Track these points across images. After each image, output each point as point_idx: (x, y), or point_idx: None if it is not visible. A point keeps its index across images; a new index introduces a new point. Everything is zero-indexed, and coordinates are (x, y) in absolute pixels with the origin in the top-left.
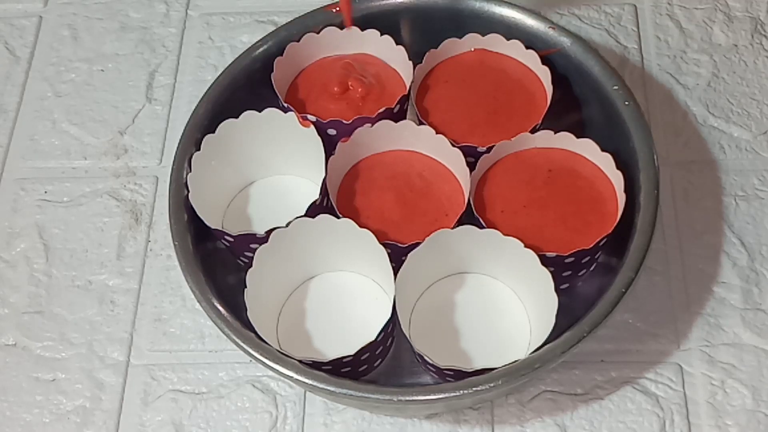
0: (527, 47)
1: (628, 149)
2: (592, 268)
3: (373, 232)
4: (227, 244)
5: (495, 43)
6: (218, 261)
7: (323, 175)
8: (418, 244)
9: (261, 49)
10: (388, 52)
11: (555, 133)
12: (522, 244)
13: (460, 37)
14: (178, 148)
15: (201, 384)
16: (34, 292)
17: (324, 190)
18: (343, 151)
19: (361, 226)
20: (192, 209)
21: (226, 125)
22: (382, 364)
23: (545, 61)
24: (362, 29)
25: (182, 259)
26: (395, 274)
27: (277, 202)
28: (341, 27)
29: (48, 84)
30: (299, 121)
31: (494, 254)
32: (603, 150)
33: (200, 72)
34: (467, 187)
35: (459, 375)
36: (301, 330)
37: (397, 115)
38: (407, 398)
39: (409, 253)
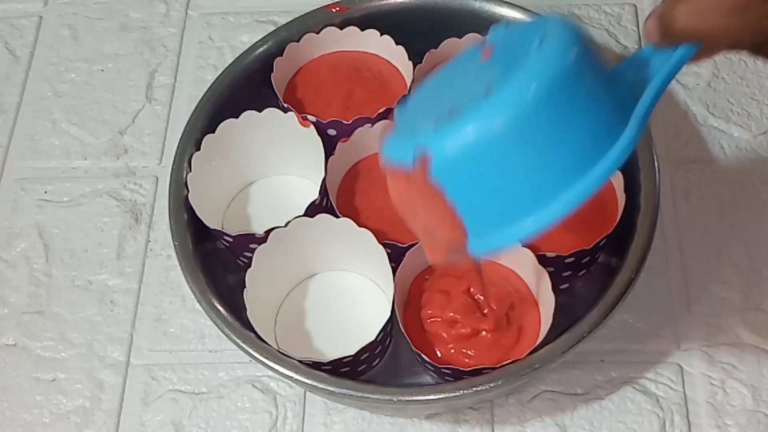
0: None
1: None
2: (592, 268)
3: (372, 232)
4: (227, 244)
5: None
6: (218, 261)
7: (323, 175)
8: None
9: (261, 49)
10: (388, 52)
11: None
12: (519, 244)
13: (460, 37)
14: (178, 148)
15: (201, 384)
16: (34, 292)
17: (323, 190)
18: (343, 151)
19: (360, 226)
20: (192, 209)
21: (226, 125)
22: (381, 364)
23: None
24: (362, 29)
25: (182, 259)
26: (394, 274)
27: (277, 202)
28: (341, 27)
29: (48, 84)
30: (299, 121)
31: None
32: None
33: (200, 72)
34: None
35: (457, 374)
36: (299, 329)
37: None
38: (407, 398)
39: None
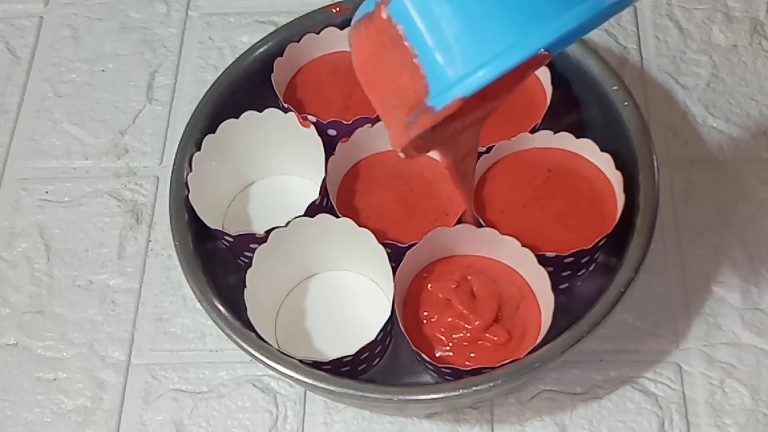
0: None
1: (627, 149)
2: (591, 268)
3: (372, 232)
4: (227, 244)
5: None
6: (218, 261)
7: (323, 175)
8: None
9: (261, 49)
10: None
11: (555, 133)
12: (519, 243)
13: None
14: (178, 148)
15: (201, 383)
16: (35, 291)
17: (324, 190)
18: (343, 151)
19: (360, 226)
20: (192, 209)
21: (227, 125)
22: (381, 364)
23: None
24: None
25: (183, 258)
26: (394, 274)
27: (277, 202)
28: (341, 27)
29: (49, 84)
30: (299, 121)
31: (492, 253)
32: (602, 150)
33: (200, 72)
34: None
35: (457, 374)
36: (299, 329)
37: None
38: (407, 398)
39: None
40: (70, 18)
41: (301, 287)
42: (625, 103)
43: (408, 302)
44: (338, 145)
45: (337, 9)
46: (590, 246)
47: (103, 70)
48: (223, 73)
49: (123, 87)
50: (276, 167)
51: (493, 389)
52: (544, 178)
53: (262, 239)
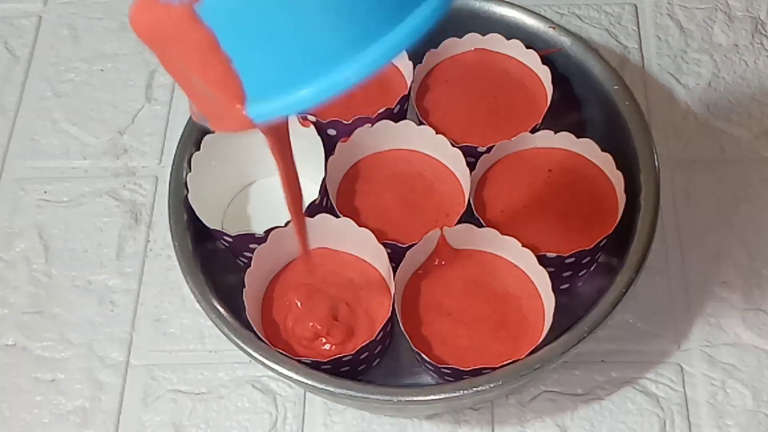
0: (527, 47)
1: (628, 149)
2: (592, 269)
3: (372, 232)
4: (226, 244)
5: (495, 42)
6: (218, 261)
7: (323, 175)
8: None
9: None
10: None
11: (555, 133)
12: (519, 244)
13: (460, 37)
14: (177, 147)
15: (201, 384)
16: (34, 292)
17: (323, 190)
18: (342, 151)
19: (360, 226)
20: (192, 209)
21: None
22: (381, 364)
23: (545, 60)
24: None
25: (182, 259)
26: (395, 274)
27: (277, 202)
28: None
29: (48, 84)
30: (299, 121)
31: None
32: (603, 150)
33: None
34: (467, 187)
35: (457, 374)
36: None
37: (397, 115)
38: (407, 399)
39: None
40: (69, 17)
41: None
42: (626, 103)
43: (408, 302)
44: (338, 144)
45: None
46: (591, 246)
47: (102, 70)
48: None
49: (122, 86)
50: (275, 167)
51: (493, 390)
52: (544, 178)
53: (262, 239)
